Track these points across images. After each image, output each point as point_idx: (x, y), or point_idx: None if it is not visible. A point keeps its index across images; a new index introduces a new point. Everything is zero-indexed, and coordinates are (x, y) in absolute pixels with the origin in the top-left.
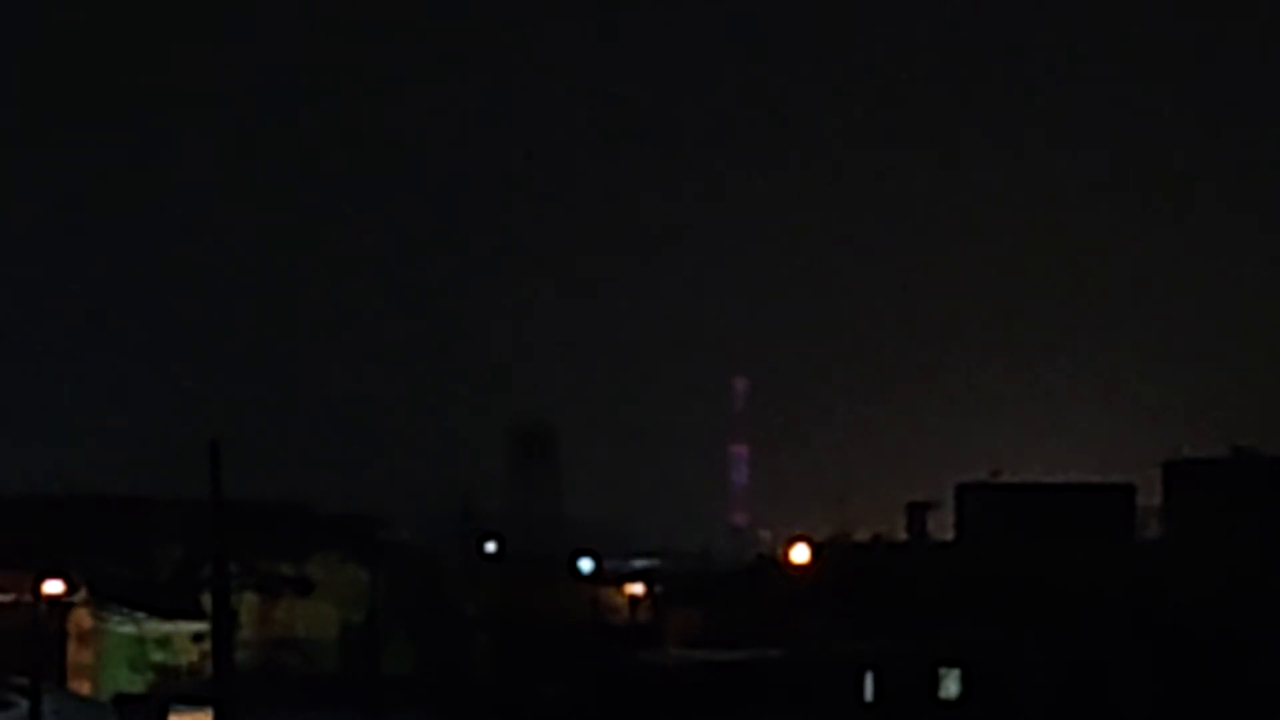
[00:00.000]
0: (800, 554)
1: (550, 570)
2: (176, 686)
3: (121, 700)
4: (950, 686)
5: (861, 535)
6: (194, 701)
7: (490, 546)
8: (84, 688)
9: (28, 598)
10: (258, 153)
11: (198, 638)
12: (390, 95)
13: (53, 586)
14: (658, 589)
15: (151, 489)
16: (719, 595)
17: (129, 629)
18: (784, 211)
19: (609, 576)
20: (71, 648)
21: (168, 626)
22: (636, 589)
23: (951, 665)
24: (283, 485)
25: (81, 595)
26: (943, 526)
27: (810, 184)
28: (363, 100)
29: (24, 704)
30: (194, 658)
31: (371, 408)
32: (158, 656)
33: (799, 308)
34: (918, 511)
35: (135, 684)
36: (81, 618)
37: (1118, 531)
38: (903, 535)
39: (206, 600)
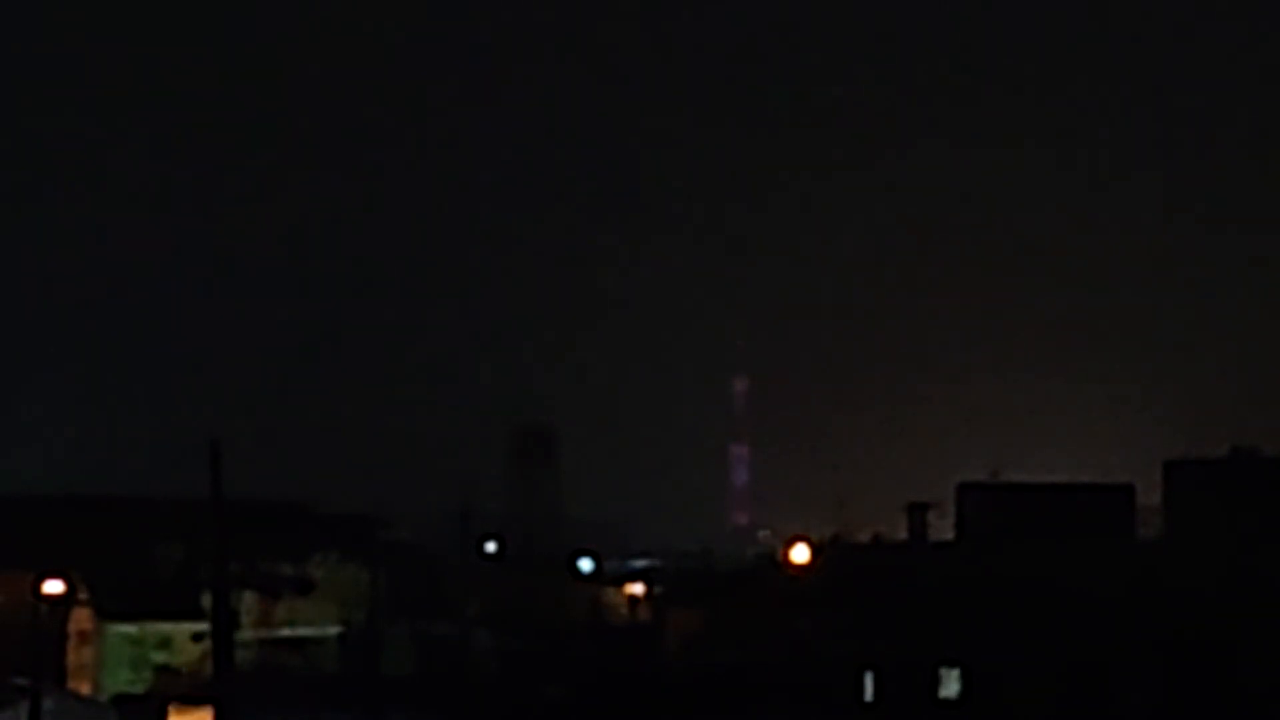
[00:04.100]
0: (800, 554)
1: (550, 570)
2: (176, 686)
3: (121, 700)
4: (950, 686)
5: (861, 535)
6: (194, 701)
7: (490, 546)
8: (84, 688)
9: (28, 598)
10: (258, 155)
11: (198, 638)
12: (392, 99)
13: (53, 586)
14: (658, 589)
15: (151, 489)
16: (719, 595)
17: (129, 629)
18: (784, 214)
19: (609, 576)
20: (71, 648)
21: (168, 626)
22: (636, 589)
23: (951, 665)
24: (283, 485)
25: (82, 595)
26: (943, 526)
27: (811, 187)
28: (364, 104)
29: (24, 704)
30: (194, 658)
31: (371, 408)
32: (158, 656)
33: (799, 309)
34: (918, 511)
35: (135, 684)
36: (81, 618)
37: (1118, 531)
38: (903, 535)
39: (206, 600)
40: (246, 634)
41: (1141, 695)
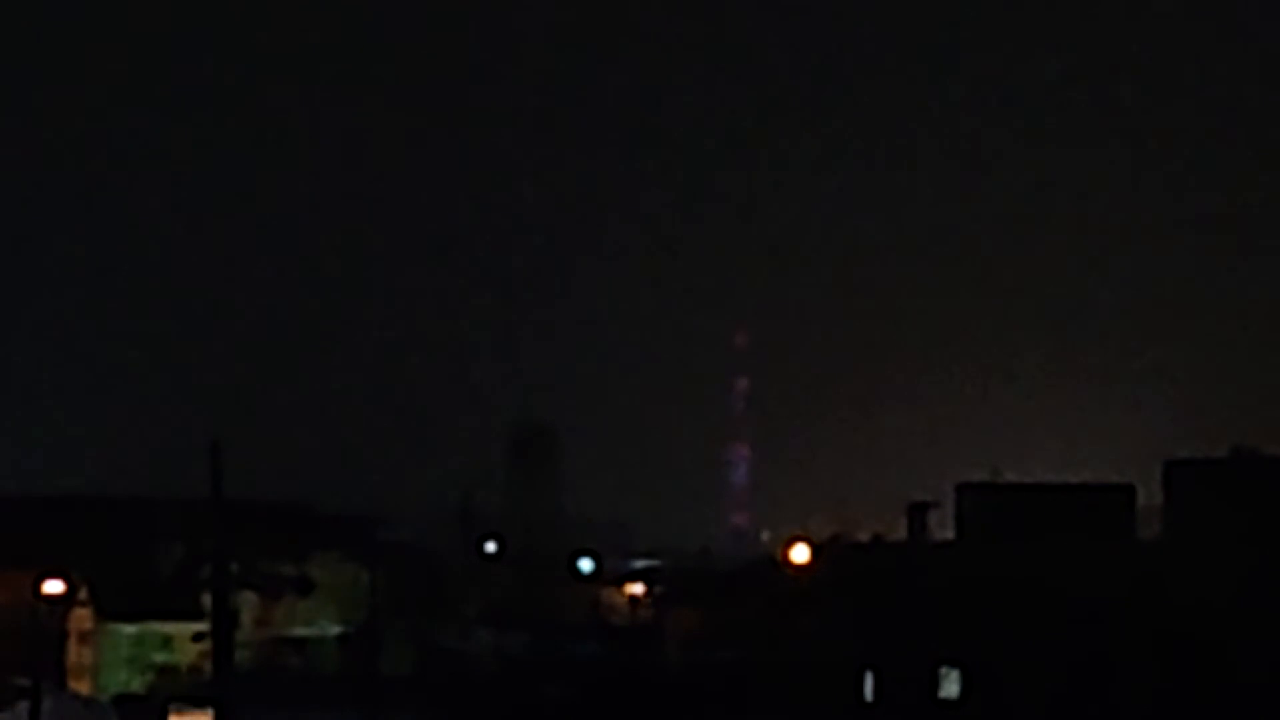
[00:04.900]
0: (800, 554)
1: (550, 570)
2: (176, 686)
3: (121, 700)
4: (950, 686)
5: (861, 535)
6: (194, 701)
7: (490, 546)
8: (84, 688)
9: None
10: (258, 155)
11: (198, 638)
12: (392, 97)
13: (53, 586)
14: (658, 589)
15: (151, 489)
16: (719, 595)
17: (129, 629)
18: (784, 214)
19: (609, 576)
20: (71, 648)
21: (168, 626)
22: (636, 589)
23: (951, 665)
24: (283, 485)
25: (82, 595)
26: (943, 526)
27: (811, 186)
28: (364, 103)
29: (24, 704)
30: (194, 658)
31: (371, 408)
32: (158, 656)
33: (799, 309)
34: (918, 511)
35: (135, 684)
36: (81, 618)
37: (1118, 531)
38: (903, 535)
39: (206, 600)
40: (246, 634)
41: (1141, 695)
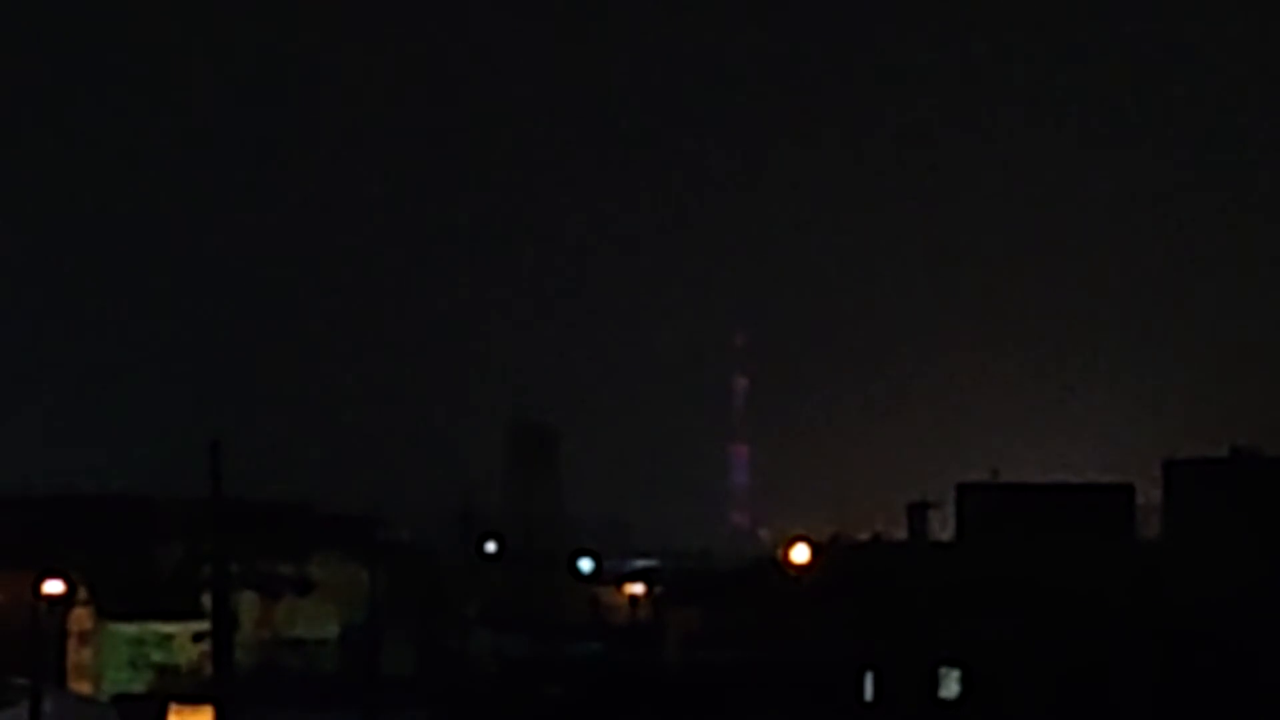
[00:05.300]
0: (800, 554)
1: (550, 570)
2: (176, 686)
3: (121, 700)
4: (950, 686)
5: (861, 535)
6: (194, 701)
7: (490, 546)
8: (84, 688)
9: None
10: (258, 155)
11: (198, 638)
12: (391, 98)
13: (53, 586)
14: (658, 589)
15: (151, 489)
16: (719, 595)
17: (129, 629)
18: (784, 214)
19: (609, 576)
20: (71, 648)
21: (168, 626)
22: (636, 589)
23: (951, 665)
24: (283, 485)
25: (82, 595)
26: (943, 526)
27: (811, 186)
28: (364, 103)
29: (24, 704)
30: (194, 658)
31: (371, 408)
32: (158, 656)
33: (799, 309)
34: (918, 511)
35: (135, 684)
36: (81, 618)
37: (1118, 531)
38: (903, 535)
39: (206, 600)
40: (246, 634)
41: (1141, 695)
